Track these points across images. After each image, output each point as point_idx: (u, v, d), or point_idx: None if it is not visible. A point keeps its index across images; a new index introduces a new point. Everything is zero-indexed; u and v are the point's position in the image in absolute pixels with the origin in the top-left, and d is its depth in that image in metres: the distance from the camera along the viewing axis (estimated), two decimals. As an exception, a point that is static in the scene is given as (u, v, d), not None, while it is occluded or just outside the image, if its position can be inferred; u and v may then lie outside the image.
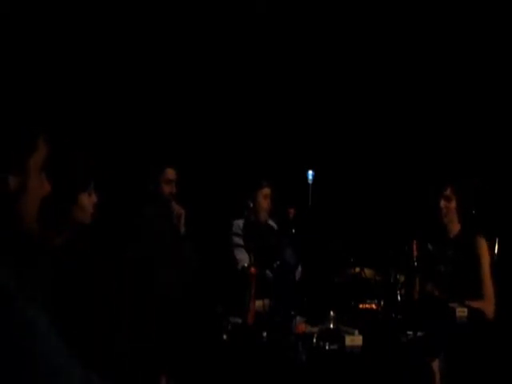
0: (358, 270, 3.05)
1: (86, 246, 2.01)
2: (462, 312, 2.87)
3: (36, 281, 1.58)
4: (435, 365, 2.89)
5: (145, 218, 3.42)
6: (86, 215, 2.02)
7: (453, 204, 3.29)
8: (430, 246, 3.32)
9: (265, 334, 2.40)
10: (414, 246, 3.08)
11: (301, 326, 2.45)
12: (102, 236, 2.18)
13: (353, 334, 2.43)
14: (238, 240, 3.57)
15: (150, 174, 3.59)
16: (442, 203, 3.28)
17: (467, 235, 3.28)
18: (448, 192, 3.29)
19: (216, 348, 2.33)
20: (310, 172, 4.12)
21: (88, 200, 2.01)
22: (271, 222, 3.79)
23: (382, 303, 2.84)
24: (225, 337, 2.36)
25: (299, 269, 3.50)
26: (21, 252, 1.07)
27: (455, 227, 3.33)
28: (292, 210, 3.69)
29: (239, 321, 2.55)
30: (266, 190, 3.65)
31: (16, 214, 1.03)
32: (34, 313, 0.94)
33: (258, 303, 2.64)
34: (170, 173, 3.56)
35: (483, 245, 3.23)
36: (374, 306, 2.86)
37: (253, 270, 2.58)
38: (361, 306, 2.86)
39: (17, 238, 1.06)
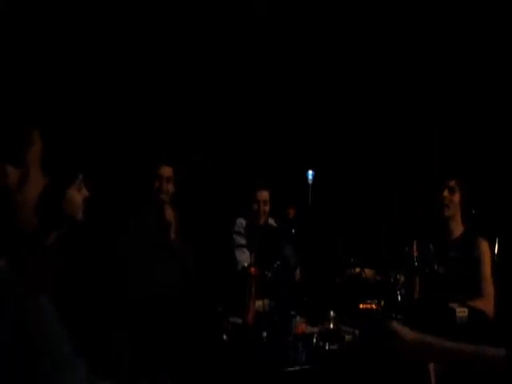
0: (358, 270, 3.05)
1: (76, 244, 2.01)
2: (462, 312, 2.87)
3: (36, 279, 1.58)
4: (431, 365, 2.88)
5: (139, 217, 3.39)
6: (75, 209, 2.00)
7: (456, 197, 3.27)
8: (431, 247, 3.31)
9: (265, 333, 2.40)
10: (415, 247, 3.08)
11: (301, 325, 2.45)
12: (92, 234, 2.17)
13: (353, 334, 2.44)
14: (240, 239, 3.55)
15: (147, 172, 3.56)
16: (446, 193, 3.27)
17: (469, 237, 3.28)
18: (452, 183, 3.28)
19: (216, 348, 2.33)
20: (310, 172, 4.12)
21: (77, 195, 2.00)
22: (271, 221, 3.78)
23: (382, 303, 2.83)
24: (225, 337, 2.36)
25: (299, 269, 3.50)
26: (19, 249, 1.07)
27: (458, 229, 3.32)
28: (292, 210, 3.69)
29: (239, 321, 2.54)
30: (264, 195, 3.62)
31: (16, 205, 1.04)
32: (34, 310, 0.94)
33: (258, 303, 2.64)
34: (167, 171, 3.52)
35: (485, 245, 3.23)
36: (374, 306, 2.85)
37: (253, 270, 2.58)
38: (361, 305, 2.86)
39: (16, 234, 1.06)
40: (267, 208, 3.61)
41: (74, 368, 0.96)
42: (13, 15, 3.42)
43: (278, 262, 2.89)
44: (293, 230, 3.48)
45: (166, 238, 3.29)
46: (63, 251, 1.95)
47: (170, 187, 3.35)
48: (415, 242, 3.11)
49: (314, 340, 2.34)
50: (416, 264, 3.03)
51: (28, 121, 1.06)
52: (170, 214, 3.31)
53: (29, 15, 3.57)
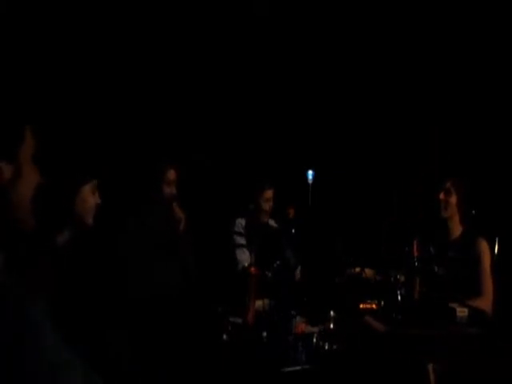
0: (358, 270, 3.05)
1: (86, 247, 2.00)
2: (462, 312, 2.87)
3: (36, 279, 1.58)
4: (431, 365, 2.88)
5: (140, 217, 3.37)
6: (87, 211, 1.99)
7: (453, 198, 3.28)
8: (431, 249, 3.32)
9: (265, 333, 2.40)
10: (415, 246, 3.08)
11: (301, 325, 2.45)
12: (100, 237, 2.17)
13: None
14: (240, 239, 3.56)
15: (151, 174, 3.55)
16: (442, 195, 3.28)
17: (469, 237, 3.28)
18: (448, 185, 3.30)
19: (216, 348, 2.33)
20: (310, 172, 4.11)
21: (91, 197, 1.99)
22: (272, 222, 3.78)
23: (382, 303, 2.83)
24: (225, 337, 2.37)
25: (299, 269, 3.50)
26: (19, 250, 1.07)
27: (457, 229, 3.32)
28: (292, 210, 3.69)
29: (239, 321, 2.55)
30: (269, 193, 3.65)
31: (11, 202, 1.03)
32: (34, 310, 0.94)
33: (258, 303, 2.64)
34: (171, 173, 3.52)
35: (484, 245, 3.24)
36: (374, 306, 2.85)
37: (253, 269, 2.59)
38: (361, 305, 2.86)
39: (14, 235, 1.06)
40: (272, 206, 3.66)
41: (76, 368, 0.96)
42: (7, 12, 3.40)
43: (278, 262, 2.89)
44: (293, 230, 3.49)
45: (174, 234, 3.26)
46: (69, 252, 1.95)
47: (173, 189, 3.36)
48: (415, 242, 3.11)
49: (314, 340, 2.34)
50: (416, 264, 3.03)
51: (19, 117, 1.06)
52: (178, 211, 3.30)
53: (23, 10, 3.55)
